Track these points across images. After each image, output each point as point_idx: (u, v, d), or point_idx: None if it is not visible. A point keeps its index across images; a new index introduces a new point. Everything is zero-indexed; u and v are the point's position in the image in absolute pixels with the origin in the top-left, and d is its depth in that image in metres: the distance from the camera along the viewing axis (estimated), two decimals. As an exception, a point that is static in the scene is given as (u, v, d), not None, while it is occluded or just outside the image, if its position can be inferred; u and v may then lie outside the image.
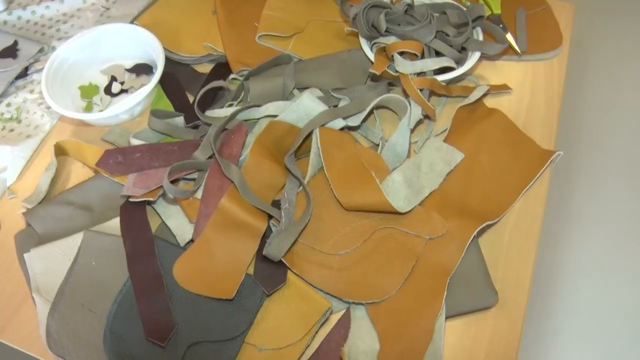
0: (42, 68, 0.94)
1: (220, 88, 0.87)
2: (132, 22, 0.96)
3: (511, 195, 0.78)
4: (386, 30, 0.87)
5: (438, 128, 0.87)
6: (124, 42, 0.93)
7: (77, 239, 0.75)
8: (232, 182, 0.73)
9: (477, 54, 0.88)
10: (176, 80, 0.91)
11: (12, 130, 0.91)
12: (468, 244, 0.71)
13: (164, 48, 0.90)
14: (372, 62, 0.86)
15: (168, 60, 0.91)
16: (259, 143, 0.76)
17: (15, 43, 1.00)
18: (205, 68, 0.94)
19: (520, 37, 0.97)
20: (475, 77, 0.92)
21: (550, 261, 1.53)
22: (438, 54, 0.88)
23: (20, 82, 0.96)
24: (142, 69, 0.94)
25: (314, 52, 0.92)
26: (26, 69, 0.97)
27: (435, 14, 0.92)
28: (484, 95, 0.89)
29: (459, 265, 0.71)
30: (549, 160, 0.81)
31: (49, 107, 0.92)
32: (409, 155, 0.82)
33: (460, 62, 0.88)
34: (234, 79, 0.89)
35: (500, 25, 0.97)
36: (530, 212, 0.78)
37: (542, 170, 0.80)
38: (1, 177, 0.86)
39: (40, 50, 0.99)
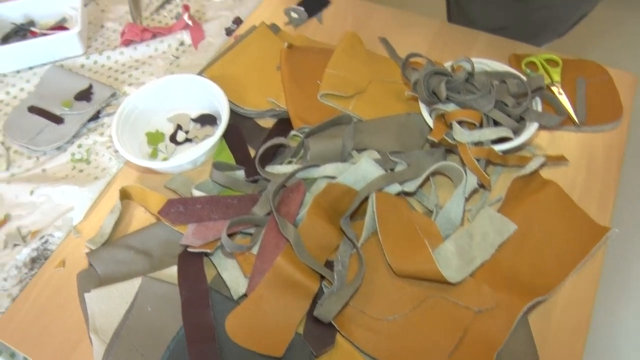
0: (113, 112, 1.00)
1: (281, 145, 0.91)
2: (200, 74, 1.01)
3: (563, 271, 0.79)
4: (446, 98, 0.89)
5: (492, 197, 0.88)
6: (191, 93, 0.99)
7: (135, 283, 0.80)
8: (288, 240, 0.76)
9: (535, 125, 0.90)
10: (239, 133, 0.95)
11: (81, 170, 0.97)
12: (517, 319, 0.72)
13: (229, 101, 0.94)
14: (431, 128, 0.89)
15: (232, 112, 0.96)
16: (317, 204, 0.79)
17: (90, 87, 1.06)
18: (268, 122, 0.98)
19: (579, 107, 0.99)
20: (532, 147, 0.94)
21: (602, 346, 1.49)
22: (496, 123, 0.90)
23: (92, 125, 1.03)
24: (207, 120, 0.99)
25: (374, 113, 0.95)
26: (98, 112, 1.04)
27: (495, 82, 0.94)
28: (541, 165, 0.90)
29: (507, 341, 0.72)
30: (604, 237, 0.82)
31: (116, 151, 0.97)
32: (462, 224, 0.84)
33: (517, 131, 0.90)
34: (294, 135, 0.93)
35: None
36: (583, 290, 0.79)
37: (596, 247, 0.81)
38: (68, 216, 0.91)
39: (112, 95, 1.06)
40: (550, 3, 1.14)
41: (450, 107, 0.90)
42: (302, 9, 1.17)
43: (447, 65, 0.97)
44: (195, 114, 1.01)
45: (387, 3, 1.20)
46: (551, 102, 0.98)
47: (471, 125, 0.89)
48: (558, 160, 0.92)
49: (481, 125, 0.89)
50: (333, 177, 0.85)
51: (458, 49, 1.09)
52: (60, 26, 1.22)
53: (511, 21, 1.17)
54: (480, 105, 0.88)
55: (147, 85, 0.98)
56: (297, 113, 0.94)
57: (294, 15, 1.17)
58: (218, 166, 0.88)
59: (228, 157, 0.93)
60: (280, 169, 0.87)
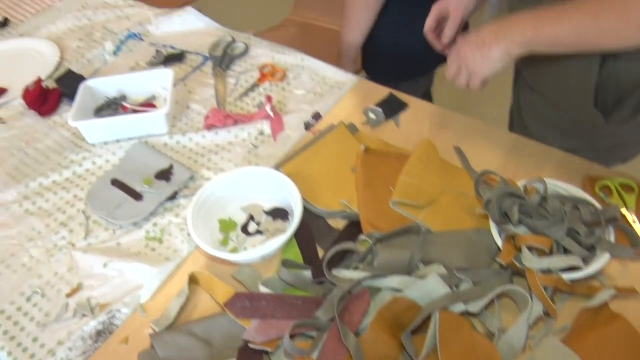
0: (190, 194, 1.06)
1: (350, 249, 0.93)
2: (277, 168, 1.06)
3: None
4: (518, 221, 0.91)
5: (557, 325, 0.88)
6: (267, 185, 1.03)
7: (194, 372, 0.82)
8: (349, 350, 0.78)
9: (607, 256, 0.89)
10: (309, 231, 0.98)
11: (153, 249, 1.02)
12: None
13: (302, 198, 0.98)
14: (500, 248, 0.90)
15: (304, 209, 0.99)
16: (380, 316, 0.81)
17: (171, 167, 1.13)
18: (339, 223, 1.01)
19: (654, 239, 0.98)
20: (602, 277, 0.93)
21: None
22: (566, 250, 0.90)
23: (168, 204, 1.08)
24: (279, 214, 1.03)
25: (443, 225, 0.97)
26: (175, 192, 1.09)
27: (568, 207, 0.95)
28: (610, 297, 0.89)
29: None
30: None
31: (189, 234, 1.01)
32: (524, 351, 0.83)
33: (588, 260, 0.90)
34: (363, 240, 0.96)
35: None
36: None
37: (664, 395, 0.79)
38: (136, 294, 0.95)
39: (191, 178, 1.11)
40: (616, 132, 1.15)
41: (521, 230, 0.91)
42: (380, 110, 1.22)
43: (521, 184, 0.98)
44: (268, 206, 1.05)
45: (463, 111, 1.23)
46: (625, 232, 0.97)
47: (540, 252, 0.90)
48: (629, 292, 0.91)
49: (551, 252, 0.90)
50: (398, 290, 0.86)
51: (531, 165, 1.11)
52: (149, 103, 1.30)
53: (575, 145, 1.18)
54: (551, 232, 0.89)
55: (226, 174, 1.03)
56: (368, 218, 0.97)
57: (371, 115, 1.21)
58: (286, 264, 0.91)
59: (296, 255, 0.96)
60: (346, 274, 0.89)
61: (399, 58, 1.60)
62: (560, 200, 0.95)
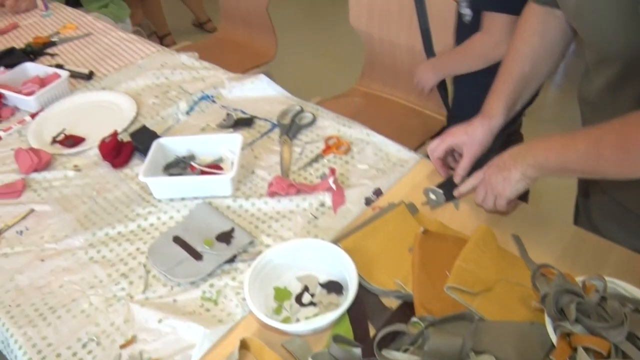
0: (248, 259, 1.09)
1: (402, 331, 0.94)
2: (335, 242, 1.08)
3: None
4: (575, 319, 0.90)
5: None
6: (324, 258, 1.06)
7: None
8: None
9: (667, 366, 0.87)
10: (362, 307, 1.00)
11: (208, 310, 1.05)
12: None
13: (358, 274, 1.00)
14: (554, 346, 0.89)
15: (358, 285, 1.01)
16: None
17: (232, 230, 1.17)
18: (392, 302, 1.03)
19: None
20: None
21: None
22: (625, 355, 0.89)
23: (226, 267, 1.12)
24: (334, 287, 1.05)
25: (497, 314, 0.97)
26: (234, 256, 1.13)
27: (629, 308, 0.93)
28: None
29: None
30: None
31: (243, 299, 1.04)
32: None
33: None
34: (416, 322, 0.96)
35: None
36: None
37: None
38: (187, 353, 0.98)
39: (251, 243, 1.15)
40: None
41: (578, 329, 0.90)
42: (440, 191, 1.24)
43: (579, 280, 0.98)
44: (323, 278, 1.07)
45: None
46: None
47: (597, 354, 0.88)
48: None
49: (609, 355, 0.88)
50: (448, 379, 0.86)
51: (592, 261, 1.10)
52: (216, 165, 1.36)
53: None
54: (610, 335, 0.88)
55: (286, 244, 1.06)
56: (422, 301, 0.98)
57: (432, 196, 1.24)
58: (337, 339, 0.93)
59: (347, 330, 0.97)
60: (396, 356, 0.90)
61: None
62: (620, 301, 0.93)
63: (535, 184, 1.06)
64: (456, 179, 1.24)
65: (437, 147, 1.24)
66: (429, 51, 2.06)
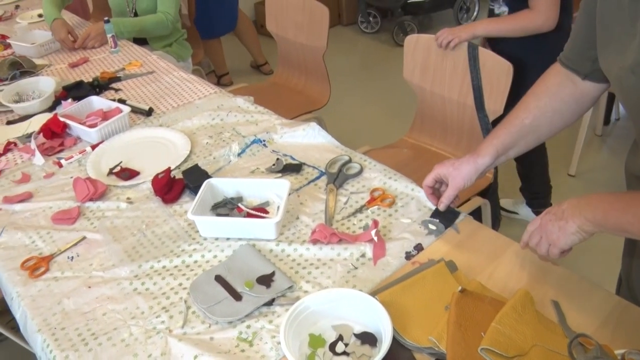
0: (286, 303, 1.11)
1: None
2: (373, 295, 1.10)
3: None
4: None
5: None
6: (361, 309, 1.07)
7: None
8: None
9: None
10: (395, 361, 1.00)
11: (243, 350, 1.07)
12: None
13: (393, 328, 1.01)
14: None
15: (392, 339, 1.01)
16: None
17: (273, 273, 1.20)
18: (424, 358, 1.03)
19: None
20: None
21: None
22: None
23: (264, 309, 1.14)
24: (368, 339, 1.06)
25: (530, 381, 0.96)
26: (273, 299, 1.15)
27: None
28: None
29: None
30: None
31: (278, 343, 1.06)
32: None
33: None
34: (446, 382, 0.97)
35: None
36: None
37: None
38: (220, 392, 1.00)
39: (290, 288, 1.17)
40: None
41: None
42: (436, 220, 1.34)
43: (618, 353, 0.97)
44: (358, 329, 1.08)
45: (565, 265, 1.23)
46: None
47: None
48: None
49: None
50: None
51: (633, 334, 1.08)
52: (262, 208, 1.39)
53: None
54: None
55: (325, 292, 1.09)
56: (455, 360, 0.98)
57: (431, 227, 1.33)
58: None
59: (379, 385, 0.98)
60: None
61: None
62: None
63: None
64: (440, 207, 1.32)
65: (427, 176, 1.32)
66: (480, 108, 2.08)
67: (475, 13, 5.32)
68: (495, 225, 2.30)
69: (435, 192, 1.35)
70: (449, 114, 2.25)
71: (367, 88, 4.15)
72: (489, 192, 2.20)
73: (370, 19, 5.21)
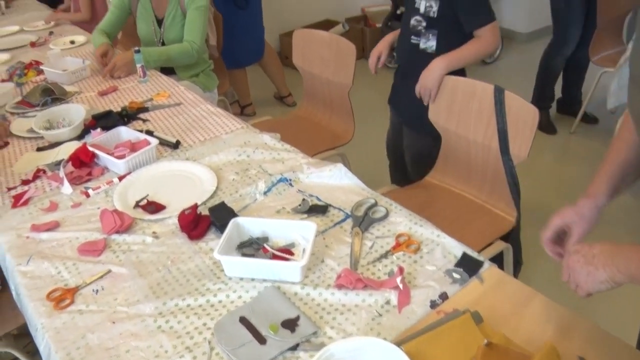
0: (310, 349, 1.11)
1: None
2: (398, 345, 1.10)
3: None
4: None
5: None
6: (386, 358, 1.06)
7: None
8: None
9: None
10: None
11: (266, 396, 1.06)
12: None
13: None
14: None
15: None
16: None
17: (298, 318, 1.20)
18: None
19: None
20: None
21: None
22: None
23: (288, 354, 1.15)
24: (392, 390, 1.05)
25: None
26: (297, 344, 1.15)
27: None
28: None
29: None
30: None
31: (303, 390, 1.06)
32: None
33: None
34: None
35: None
36: None
37: None
38: None
39: (314, 333, 1.17)
40: None
41: None
42: (461, 269, 1.34)
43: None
44: (382, 379, 1.08)
45: (591, 311, 1.22)
46: None
47: None
48: None
49: None
50: None
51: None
52: (288, 249, 1.40)
53: None
54: None
55: (350, 341, 1.09)
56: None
57: (456, 276, 1.32)
58: None
59: None
60: None
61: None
62: None
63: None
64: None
65: (545, 232, 1.25)
66: (505, 151, 2.08)
67: (498, 51, 5.35)
68: (517, 268, 2.28)
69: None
70: (473, 156, 2.25)
71: (387, 123, 4.15)
72: (511, 235, 2.19)
73: (394, 54, 5.24)
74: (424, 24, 2.26)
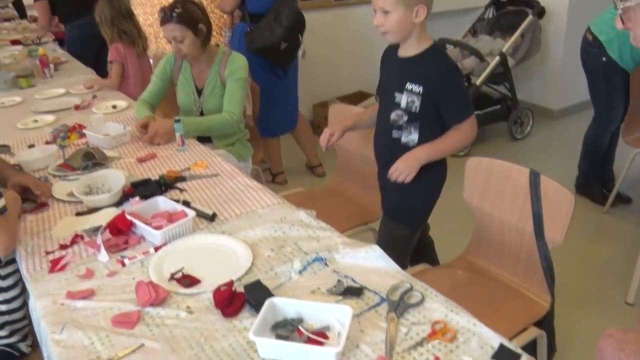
0: None
1: None
2: None
3: None
4: None
5: None
6: None
7: None
8: None
9: None
10: None
11: None
12: None
13: None
14: None
15: None
16: None
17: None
18: None
19: None
20: None
21: None
22: None
23: None
24: None
25: None
26: None
27: None
28: None
29: None
30: None
31: None
32: None
33: None
34: None
35: None
36: None
37: None
38: None
39: None
40: None
41: None
42: None
43: None
44: None
45: None
46: None
47: None
48: None
49: None
50: None
51: None
52: (322, 332, 1.39)
53: None
54: None
55: None
56: None
57: None
58: None
59: None
60: None
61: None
62: None
63: None
64: None
65: None
66: (540, 236, 2.07)
67: (529, 127, 5.37)
68: (551, 355, 2.22)
69: None
70: (507, 238, 2.23)
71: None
72: (545, 320, 2.14)
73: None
74: (405, 118, 2.27)
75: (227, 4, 4.16)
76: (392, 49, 2.33)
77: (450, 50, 5.18)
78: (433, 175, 2.38)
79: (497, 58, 4.94)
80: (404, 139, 2.30)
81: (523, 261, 2.20)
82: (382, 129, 2.41)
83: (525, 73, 5.78)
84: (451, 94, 2.22)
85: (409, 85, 2.22)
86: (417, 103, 2.21)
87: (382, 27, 2.17)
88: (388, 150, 2.39)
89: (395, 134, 2.32)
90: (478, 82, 4.92)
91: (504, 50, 4.96)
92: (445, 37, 5.15)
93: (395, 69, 2.33)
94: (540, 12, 5.17)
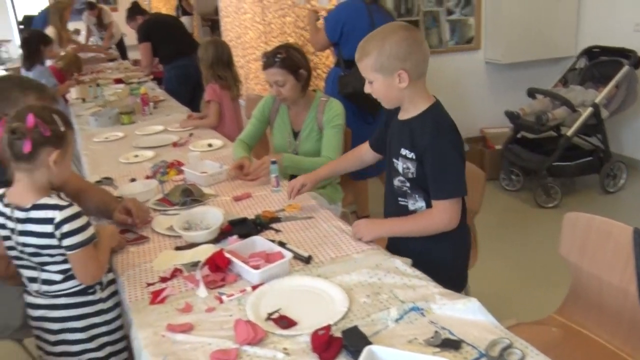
0: None
1: None
2: None
3: None
4: None
5: None
6: None
7: None
8: None
9: None
10: None
11: None
12: None
13: None
14: None
15: None
16: None
17: None
18: None
19: None
20: None
21: None
22: None
23: None
24: None
25: None
26: None
27: None
28: None
29: None
30: None
31: None
32: None
33: None
34: None
35: None
36: None
37: None
38: None
39: None
40: None
41: None
42: None
43: None
44: None
45: None
46: None
47: None
48: None
49: None
50: None
51: None
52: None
53: None
54: None
55: None
56: None
57: None
58: None
59: None
60: None
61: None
62: None
63: None
64: None
65: None
66: (643, 298, 1.97)
67: (622, 180, 5.16)
68: None
69: None
70: (606, 298, 2.14)
71: (507, 250, 4.05)
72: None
73: (513, 177, 5.19)
74: (407, 184, 2.13)
75: (317, 42, 4.35)
76: (395, 110, 2.18)
77: (540, 100, 5.09)
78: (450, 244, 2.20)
79: (590, 109, 4.80)
80: (411, 207, 2.17)
81: (625, 324, 2.09)
82: (389, 194, 2.28)
83: (616, 124, 5.59)
84: (434, 162, 2.01)
85: (402, 151, 2.10)
86: (413, 170, 2.08)
87: (373, 95, 2.09)
88: (397, 216, 2.21)
89: (402, 201, 2.20)
90: (569, 133, 4.80)
91: (597, 101, 4.82)
92: (534, 87, 5.07)
93: (393, 132, 2.20)
94: (637, 63, 5.01)
